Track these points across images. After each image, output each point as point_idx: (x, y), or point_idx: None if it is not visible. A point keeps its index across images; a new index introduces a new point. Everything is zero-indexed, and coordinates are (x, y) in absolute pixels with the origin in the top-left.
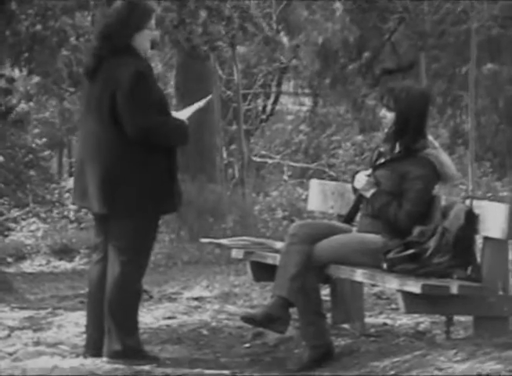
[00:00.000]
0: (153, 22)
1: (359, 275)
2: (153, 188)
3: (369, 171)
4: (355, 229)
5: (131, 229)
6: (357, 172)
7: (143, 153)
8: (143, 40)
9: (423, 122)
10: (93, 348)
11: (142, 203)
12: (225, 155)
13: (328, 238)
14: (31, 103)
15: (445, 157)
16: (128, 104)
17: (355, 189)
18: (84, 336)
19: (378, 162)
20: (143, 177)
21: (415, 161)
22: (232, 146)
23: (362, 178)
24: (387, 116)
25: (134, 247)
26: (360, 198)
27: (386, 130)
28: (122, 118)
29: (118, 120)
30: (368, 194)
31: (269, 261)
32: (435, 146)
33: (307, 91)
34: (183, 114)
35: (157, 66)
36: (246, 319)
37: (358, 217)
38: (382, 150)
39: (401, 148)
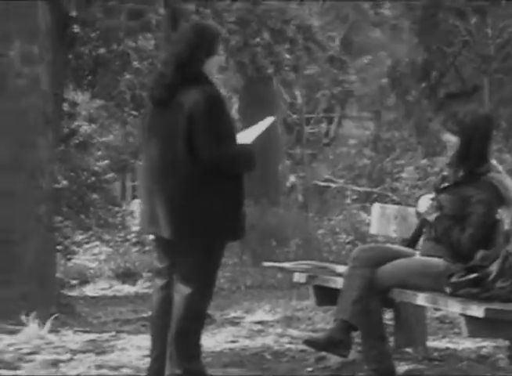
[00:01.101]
0: (220, 46)
1: (422, 299)
2: (222, 215)
3: (433, 195)
4: (418, 252)
5: (198, 256)
6: (421, 196)
7: (213, 180)
8: (212, 66)
9: (486, 146)
10: (156, 373)
11: (210, 230)
12: (288, 179)
13: (391, 262)
14: (94, 126)
15: (508, 181)
16: (204, 130)
17: (418, 214)
18: (147, 359)
19: (442, 186)
20: (212, 204)
21: (478, 185)
22: (296, 170)
23: (425, 202)
24: (451, 140)
25: (200, 274)
26: (423, 222)
27: (450, 154)
28: (198, 144)
29: (191, 148)
30: (431, 218)
31: (332, 285)
32: (499, 170)
33: (370, 115)
34: (247, 138)
35: (221, 90)
36: (309, 342)
37: (421, 241)
38: (446, 174)
39: (464, 172)
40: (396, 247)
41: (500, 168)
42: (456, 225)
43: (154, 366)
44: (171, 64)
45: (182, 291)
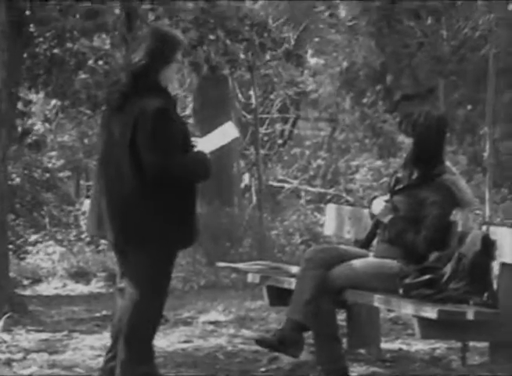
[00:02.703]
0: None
1: (375, 300)
2: (172, 223)
3: (387, 197)
4: (371, 254)
5: (148, 263)
6: (374, 198)
7: (163, 188)
8: (171, 73)
9: (440, 148)
10: (108, 374)
11: (160, 237)
12: (242, 179)
13: (344, 263)
14: (48, 126)
15: (462, 183)
16: (147, 142)
17: (372, 215)
18: (100, 359)
19: (396, 188)
20: (162, 211)
21: (432, 187)
22: (250, 171)
23: (379, 204)
24: (406, 142)
25: (150, 280)
26: (377, 224)
27: (404, 155)
28: (141, 155)
29: (138, 154)
30: (385, 220)
31: (285, 285)
32: (453, 171)
33: (325, 116)
34: (206, 146)
35: (176, 91)
36: (261, 342)
37: (375, 242)
38: (400, 175)
39: (419, 174)
40: (349, 248)
41: (454, 169)
42: (410, 227)
43: (106, 367)
44: (128, 72)
45: (131, 295)
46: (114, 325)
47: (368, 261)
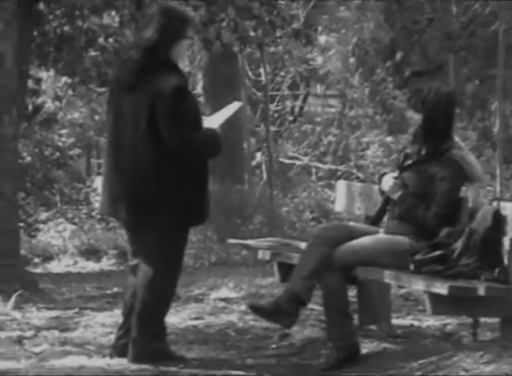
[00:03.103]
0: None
1: (386, 276)
2: (185, 201)
3: (396, 173)
4: (382, 230)
5: (161, 241)
6: (384, 174)
7: (176, 166)
8: (182, 49)
9: (449, 123)
10: (119, 350)
11: (173, 215)
12: (253, 156)
13: (354, 240)
14: (59, 104)
15: (471, 158)
16: (169, 119)
17: (382, 191)
18: (111, 336)
19: (405, 164)
20: (175, 189)
21: (441, 162)
22: (260, 148)
23: (389, 181)
24: (415, 117)
25: (163, 257)
26: (387, 200)
27: (413, 131)
28: (162, 132)
29: (155, 133)
30: (395, 196)
31: (296, 262)
32: (462, 146)
33: (335, 92)
34: (214, 122)
35: (186, 68)
36: (254, 308)
37: (385, 219)
38: (408, 151)
39: (427, 149)
40: (359, 225)
41: (463, 144)
42: (420, 203)
43: (117, 343)
44: (139, 49)
45: (145, 273)
46: (126, 302)
47: (378, 237)
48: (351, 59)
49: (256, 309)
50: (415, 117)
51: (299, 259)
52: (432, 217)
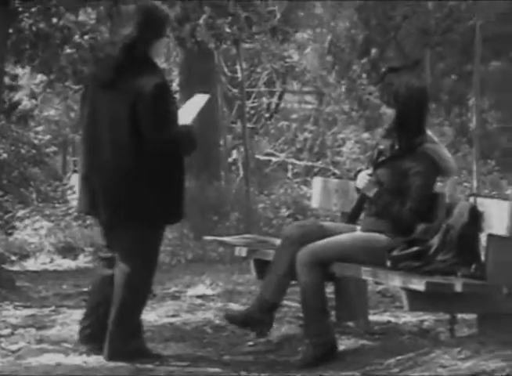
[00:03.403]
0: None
1: (363, 273)
2: (162, 199)
3: (371, 170)
4: (358, 228)
5: (138, 239)
6: (359, 171)
7: (155, 164)
8: (160, 48)
9: (422, 117)
10: (86, 341)
11: (151, 212)
12: (229, 153)
13: (332, 237)
14: (34, 101)
15: (444, 151)
16: (151, 116)
17: (357, 189)
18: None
19: (379, 160)
20: (153, 187)
21: (414, 157)
22: (237, 145)
23: (364, 178)
24: (387, 112)
25: (139, 255)
26: (363, 197)
27: (386, 126)
28: (143, 129)
29: (135, 131)
30: (371, 194)
31: (272, 258)
32: (434, 140)
33: (311, 89)
34: (187, 118)
35: (162, 65)
36: (228, 317)
37: (361, 216)
38: (382, 147)
39: (400, 144)
40: (333, 224)
41: (435, 138)
42: (396, 199)
43: (82, 334)
44: (117, 46)
45: (122, 270)
46: (94, 292)
47: (355, 234)
48: (327, 57)
49: (231, 319)
50: (388, 112)
51: (271, 262)
52: (407, 212)
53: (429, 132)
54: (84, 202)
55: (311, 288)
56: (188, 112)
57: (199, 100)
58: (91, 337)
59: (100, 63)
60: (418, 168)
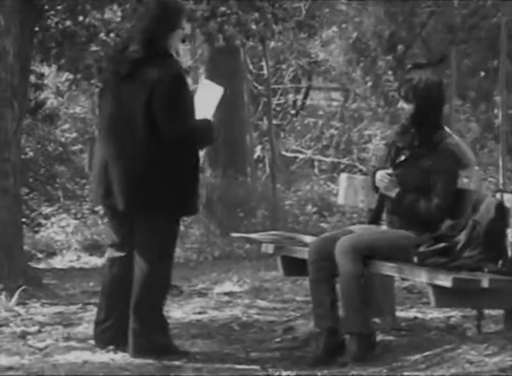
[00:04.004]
0: (184, 20)
1: (389, 269)
2: (179, 189)
3: (390, 170)
4: (384, 227)
5: (158, 229)
6: (377, 170)
7: (171, 155)
8: (176, 40)
9: (440, 113)
10: (104, 339)
11: (168, 203)
12: (255, 150)
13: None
14: (61, 99)
15: (463, 144)
16: (166, 107)
17: (376, 188)
18: None
19: (398, 160)
20: (170, 177)
21: (437, 154)
22: (262, 142)
23: (383, 178)
24: (405, 108)
25: (160, 246)
26: (383, 197)
27: (403, 122)
28: (159, 120)
29: (152, 122)
30: (393, 194)
31: (299, 255)
32: (452, 135)
33: (337, 86)
34: (205, 111)
35: (188, 62)
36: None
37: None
38: (400, 144)
39: (420, 141)
40: (362, 227)
41: (450, 131)
42: (420, 198)
43: (104, 336)
44: (136, 39)
45: (140, 265)
46: (109, 293)
47: (386, 232)
48: (352, 54)
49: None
50: (405, 108)
51: (311, 294)
52: (435, 209)
53: (446, 128)
54: (100, 192)
55: (352, 278)
56: (205, 105)
57: (214, 92)
58: (108, 338)
59: (118, 57)
60: (442, 164)
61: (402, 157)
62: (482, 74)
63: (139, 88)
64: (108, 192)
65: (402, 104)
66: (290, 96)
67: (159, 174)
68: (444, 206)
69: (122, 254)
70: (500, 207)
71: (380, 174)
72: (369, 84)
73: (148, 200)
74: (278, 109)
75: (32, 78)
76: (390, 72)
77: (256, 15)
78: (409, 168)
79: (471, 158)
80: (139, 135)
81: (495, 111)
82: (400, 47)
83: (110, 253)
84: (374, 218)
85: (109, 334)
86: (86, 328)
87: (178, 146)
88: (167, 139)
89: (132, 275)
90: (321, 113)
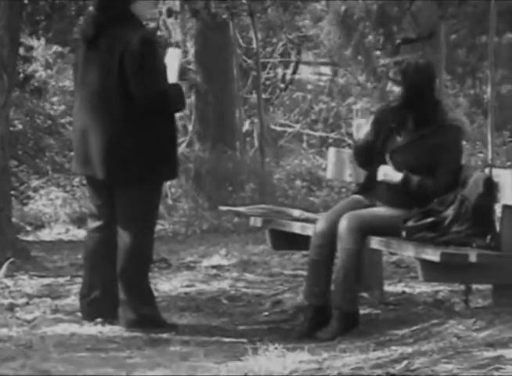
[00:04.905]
0: None
1: (376, 243)
2: (158, 155)
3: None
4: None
5: (138, 197)
6: (360, 146)
7: (148, 121)
8: (142, 8)
9: (434, 91)
10: (90, 312)
11: (148, 170)
12: (244, 124)
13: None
14: (50, 72)
15: (463, 117)
16: (139, 70)
17: (361, 164)
18: None
19: (395, 143)
20: (148, 144)
21: (444, 131)
22: (252, 115)
23: (385, 170)
24: (395, 90)
25: (142, 214)
26: (373, 173)
27: (392, 103)
28: (131, 84)
29: (125, 86)
30: (397, 178)
31: (288, 229)
32: (450, 107)
33: (326, 60)
34: (171, 78)
35: (177, 36)
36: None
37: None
38: (393, 125)
39: (422, 121)
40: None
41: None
42: (426, 177)
43: (89, 309)
44: (98, 4)
45: (123, 235)
46: (87, 266)
47: (384, 211)
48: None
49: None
50: (395, 90)
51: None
52: (444, 186)
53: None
54: (80, 162)
55: (354, 255)
56: (170, 70)
57: (173, 56)
58: (94, 311)
59: (84, 22)
60: (451, 141)
61: (400, 140)
62: (469, 49)
63: (107, 53)
64: (87, 161)
65: (391, 86)
66: (279, 70)
67: (136, 141)
68: (453, 181)
69: (100, 223)
70: (489, 182)
71: (382, 168)
72: (360, 58)
73: (129, 167)
74: (267, 83)
75: (21, 51)
76: (379, 47)
77: None
78: (410, 150)
79: (469, 131)
80: (114, 104)
81: (484, 87)
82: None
83: (89, 224)
84: (362, 191)
85: (94, 307)
86: (74, 301)
87: (153, 112)
88: (141, 103)
89: (113, 246)
90: (310, 87)
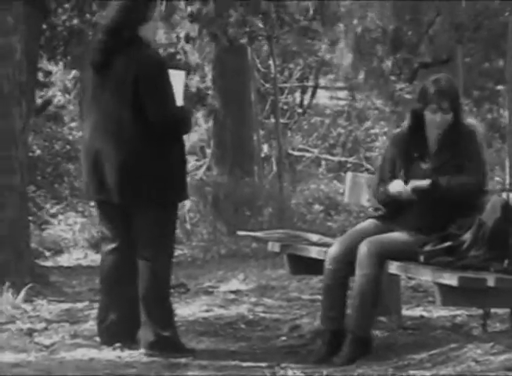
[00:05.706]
0: (156, 13)
1: (395, 267)
2: (171, 177)
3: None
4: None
5: (155, 219)
6: (381, 183)
7: (161, 143)
8: (148, 31)
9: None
10: (108, 336)
11: (163, 192)
12: (262, 149)
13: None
14: (68, 96)
15: (474, 121)
16: (155, 92)
17: (384, 202)
18: None
19: (425, 169)
20: (162, 166)
21: (463, 139)
22: (270, 140)
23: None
24: (437, 119)
25: (160, 236)
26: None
27: (438, 131)
28: (148, 106)
29: (139, 110)
30: (425, 184)
31: (306, 254)
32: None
33: (344, 85)
34: (177, 101)
35: (195, 60)
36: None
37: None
38: (416, 155)
39: (450, 141)
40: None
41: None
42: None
43: (108, 332)
44: (102, 28)
45: (143, 258)
46: (103, 290)
47: (401, 235)
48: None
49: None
50: (437, 119)
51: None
52: (474, 186)
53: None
54: (94, 189)
55: (373, 280)
56: (176, 93)
57: (178, 78)
58: (113, 335)
59: (92, 48)
60: (473, 146)
61: (426, 166)
62: (486, 73)
63: (118, 78)
64: (101, 186)
65: (433, 116)
66: (297, 95)
67: (150, 164)
68: (482, 180)
69: (114, 245)
70: (506, 206)
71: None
72: (374, 89)
73: (142, 192)
74: (285, 107)
75: (39, 76)
76: (397, 71)
77: (261, 16)
78: (440, 173)
79: (482, 132)
80: (129, 128)
81: (501, 111)
82: (406, 45)
83: (103, 247)
84: (379, 215)
85: (112, 331)
86: (92, 325)
87: (165, 135)
88: (156, 126)
89: (127, 268)
90: (328, 112)
